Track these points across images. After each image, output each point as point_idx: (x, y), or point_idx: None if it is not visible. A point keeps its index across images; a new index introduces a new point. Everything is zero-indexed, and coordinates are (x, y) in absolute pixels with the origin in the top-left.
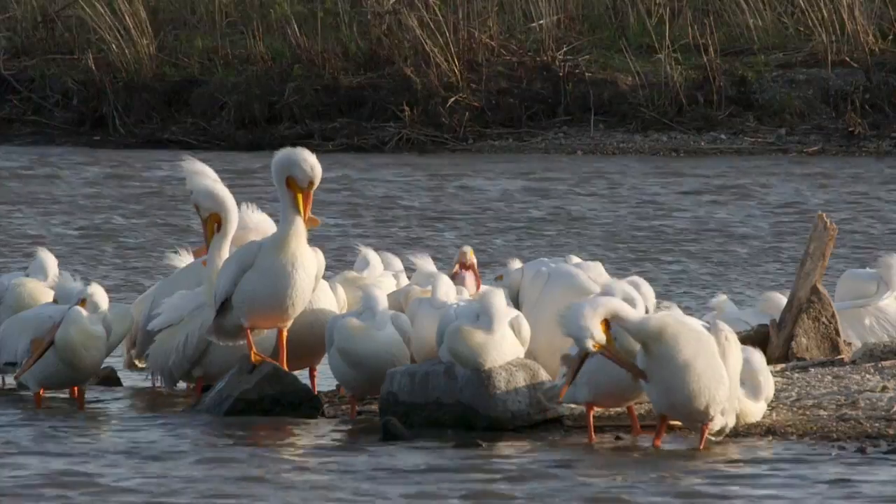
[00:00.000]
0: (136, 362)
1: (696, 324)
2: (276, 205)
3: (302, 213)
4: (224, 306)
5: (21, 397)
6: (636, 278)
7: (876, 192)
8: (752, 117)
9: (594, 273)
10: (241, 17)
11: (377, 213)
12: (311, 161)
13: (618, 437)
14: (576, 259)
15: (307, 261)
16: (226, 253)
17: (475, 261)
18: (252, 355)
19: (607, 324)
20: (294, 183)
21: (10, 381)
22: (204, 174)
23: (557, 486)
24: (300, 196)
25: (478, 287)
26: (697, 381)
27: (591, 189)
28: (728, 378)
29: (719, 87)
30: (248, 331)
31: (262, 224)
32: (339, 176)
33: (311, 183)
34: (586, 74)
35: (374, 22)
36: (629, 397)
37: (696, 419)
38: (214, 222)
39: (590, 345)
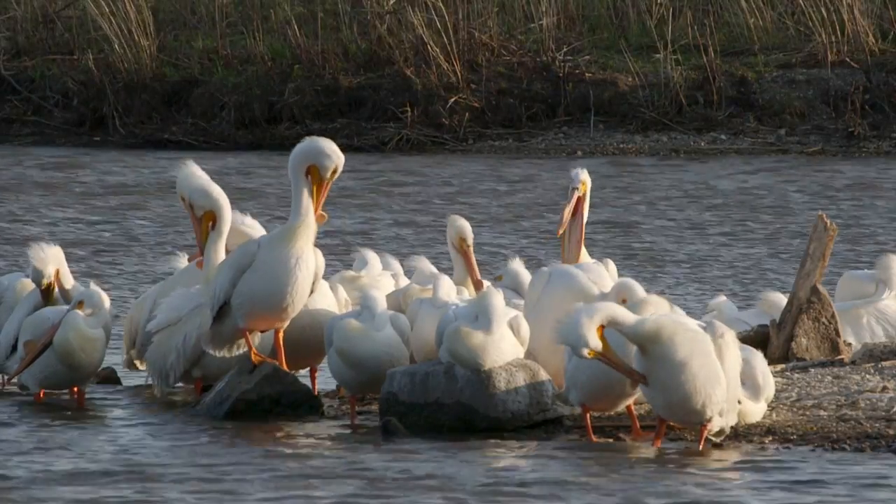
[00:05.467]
0: (137, 363)
1: (692, 324)
2: (274, 204)
3: (316, 206)
4: (221, 311)
5: (21, 397)
6: (627, 280)
7: (876, 193)
8: (752, 117)
9: (596, 274)
10: (241, 18)
11: (376, 212)
12: (335, 148)
13: (618, 438)
14: (612, 264)
15: (310, 259)
16: (221, 250)
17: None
18: (252, 356)
19: (602, 329)
20: (316, 172)
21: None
22: (197, 174)
23: (557, 486)
24: (317, 187)
25: None
26: (693, 382)
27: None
28: (725, 378)
29: (719, 87)
30: (247, 332)
31: (253, 229)
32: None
33: (335, 171)
34: (586, 75)
35: (375, 22)
36: (620, 397)
37: (694, 420)
38: (209, 221)
39: (585, 353)
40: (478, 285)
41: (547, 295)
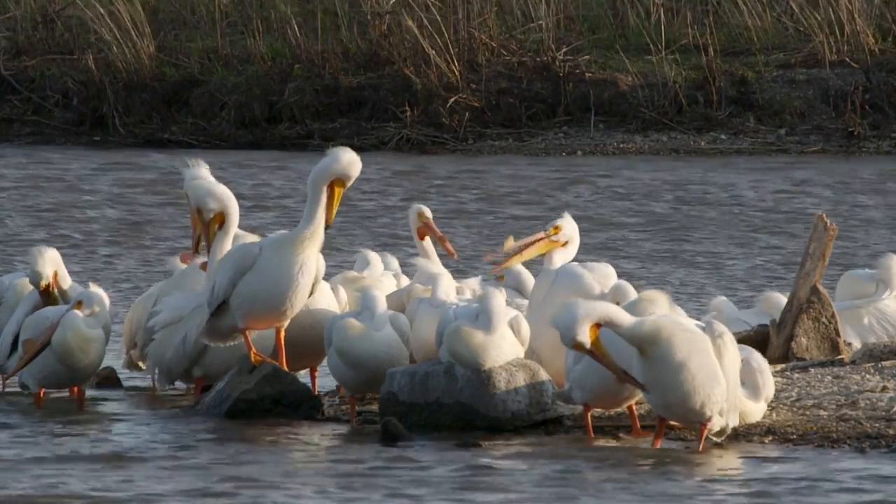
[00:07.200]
0: (139, 364)
1: (689, 324)
2: (276, 204)
3: (333, 212)
4: (220, 308)
5: (21, 397)
6: (622, 282)
7: (876, 192)
8: (752, 117)
9: (601, 275)
10: (241, 17)
11: (377, 212)
12: (357, 158)
13: (618, 438)
14: (610, 267)
15: (312, 266)
16: (226, 250)
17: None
18: (252, 356)
19: (598, 327)
20: (340, 183)
21: (12, 381)
22: (203, 178)
23: (557, 486)
24: (335, 194)
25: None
26: (692, 382)
27: (592, 190)
28: (724, 378)
29: (719, 87)
30: (247, 331)
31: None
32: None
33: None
34: (586, 74)
35: (374, 22)
36: (623, 398)
37: (693, 419)
38: (217, 223)
39: (570, 344)
40: (449, 252)
41: (552, 294)
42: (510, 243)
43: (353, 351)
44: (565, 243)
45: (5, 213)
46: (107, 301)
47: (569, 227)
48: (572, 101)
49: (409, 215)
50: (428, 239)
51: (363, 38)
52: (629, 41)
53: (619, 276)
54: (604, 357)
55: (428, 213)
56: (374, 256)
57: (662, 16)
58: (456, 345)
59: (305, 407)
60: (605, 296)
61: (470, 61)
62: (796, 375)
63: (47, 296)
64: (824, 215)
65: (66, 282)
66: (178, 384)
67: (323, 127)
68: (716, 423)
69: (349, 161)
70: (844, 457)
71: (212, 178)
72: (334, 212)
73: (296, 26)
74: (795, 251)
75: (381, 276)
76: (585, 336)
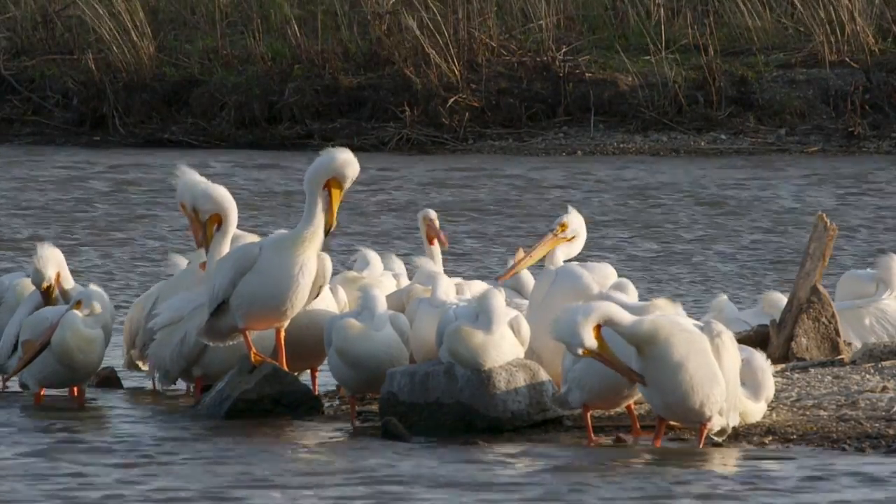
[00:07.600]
0: (139, 363)
1: (688, 324)
2: (275, 204)
3: (333, 215)
4: (220, 308)
5: (21, 397)
6: (623, 280)
7: (876, 193)
8: (752, 117)
9: (601, 275)
10: (241, 18)
11: (377, 212)
12: (354, 159)
13: (618, 438)
14: (610, 267)
15: (312, 266)
16: (225, 251)
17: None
18: (252, 356)
19: (599, 328)
20: (336, 183)
21: (12, 381)
22: (197, 180)
23: (557, 486)
24: (334, 196)
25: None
26: (690, 381)
27: (592, 190)
28: (724, 378)
29: (719, 87)
30: (246, 331)
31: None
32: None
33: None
34: (586, 74)
35: (374, 22)
36: (623, 398)
37: (693, 419)
38: (214, 223)
39: (579, 351)
40: (441, 243)
41: (552, 294)
42: (521, 255)
43: (352, 351)
44: (572, 238)
45: (5, 213)
46: (106, 300)
47: (575, 221)
48: (572, 101)
49: (418, 220)
50: (437, 244)
51: (363, 38)
52: (629, 41)
53: (619, 276)
54: (611, 358)
55: (432, 215)
56: (374, 256)
57: (662, 16)
58: (456, 345)
59: (305, 407)
60: (604, 295)
61: (470, 61)
62: (796, 375)
63: (48, 296)
64: (824, 215)
65: (69, 282)
66: (179, 384)
67: (323, 127)
68: (715, 423)
69: (344, 160)
70: (844, 457)
71: (205, 181)
72: (335, 215)
73: (296, 26)
74: (795, 251)
75: (381, 276)
76: (592, 339)
